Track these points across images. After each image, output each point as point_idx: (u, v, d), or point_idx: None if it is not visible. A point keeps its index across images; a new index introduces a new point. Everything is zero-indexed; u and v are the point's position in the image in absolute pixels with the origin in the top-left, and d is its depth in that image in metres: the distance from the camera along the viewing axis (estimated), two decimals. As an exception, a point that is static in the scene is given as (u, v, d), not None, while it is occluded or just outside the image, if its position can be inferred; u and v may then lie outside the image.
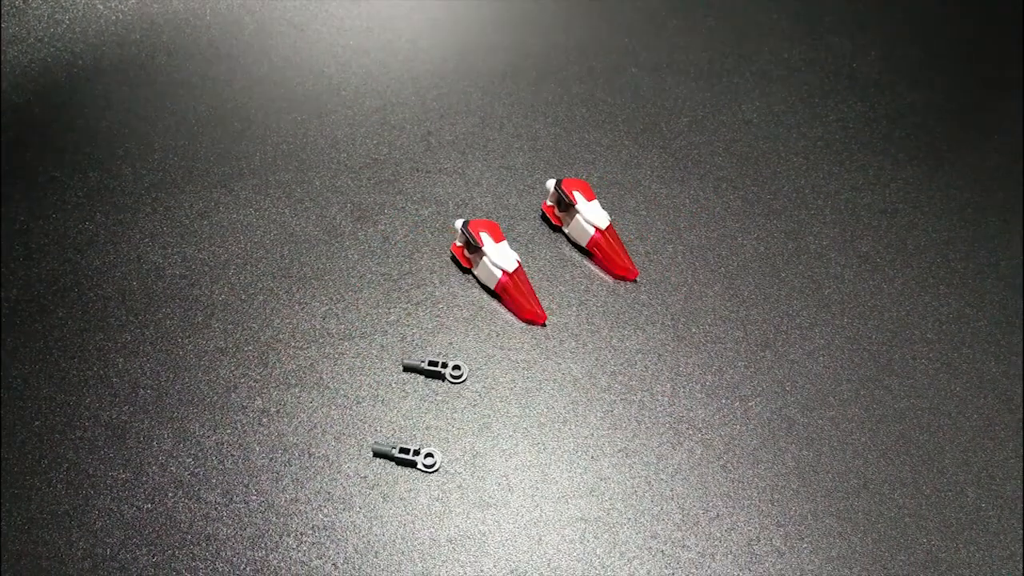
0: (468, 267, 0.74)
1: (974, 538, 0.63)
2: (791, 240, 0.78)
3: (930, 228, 0.80)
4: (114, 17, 0.91)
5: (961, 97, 0.90)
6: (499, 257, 0.71)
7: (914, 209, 0.81)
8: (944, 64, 0.93)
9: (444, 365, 0.69)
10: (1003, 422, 0.69)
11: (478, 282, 0.74)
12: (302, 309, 0.73)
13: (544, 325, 0.72)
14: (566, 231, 0.77)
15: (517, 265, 0.71)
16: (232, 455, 0.65)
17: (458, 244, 0.74)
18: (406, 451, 0.64)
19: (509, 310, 0.73)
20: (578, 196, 0.74)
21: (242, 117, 0.85)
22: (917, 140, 0.86)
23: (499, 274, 0.71)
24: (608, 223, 0.74)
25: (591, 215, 0.74)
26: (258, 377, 0.69)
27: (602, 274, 0.75)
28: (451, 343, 0.71)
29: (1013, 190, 0.83)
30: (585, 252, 0.76)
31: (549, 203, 0.77)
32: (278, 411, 0.67)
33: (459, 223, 0.72)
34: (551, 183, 0.75)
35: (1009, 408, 0.69)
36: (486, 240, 0.71)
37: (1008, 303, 0.75)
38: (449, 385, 0.69)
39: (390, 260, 0.76)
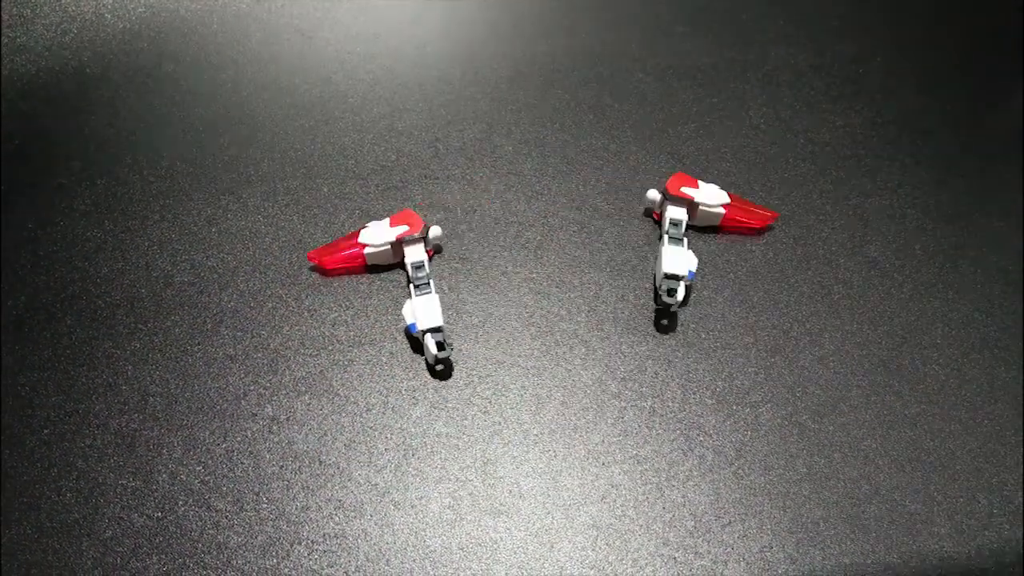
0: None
1: (986, 544, 0.63)
2: (799, 246, 0.78)
3: (939, 233, 0.80)
4: (121, 25, 0.91)
5: (969, 101, 0.90)
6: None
7: (923, 214, 0.81)
8: (951, 68, 0.93)
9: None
10: (1014, 428, 0.68)
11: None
12: (311, 316, 0.73)
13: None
14: (692, 223, 0.78)
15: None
16: (242, 463, 0.64)
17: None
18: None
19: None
20: (687, 191, 0.75)
21: (250, 124, 0.85)
22: (925, 145, 0.86)
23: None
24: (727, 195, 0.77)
25: (712, 198, 0.76)
26: (268, 384, 0.69)
27: (612, 280, 0.75)
28: (461, 349, 0.71)
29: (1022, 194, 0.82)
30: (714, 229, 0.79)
31: (659, 211, 0.78)
32: (288, 419, 0.67)
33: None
34: (654, 194, 0.77)
35: (1020, 413, 0.69)
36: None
37: (1018, 308, 0.75)
38: (459, 392, 0.68)
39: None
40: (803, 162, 0.84)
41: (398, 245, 0.73)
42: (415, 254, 0.72)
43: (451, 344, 0.68)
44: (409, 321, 0.68)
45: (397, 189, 0.81)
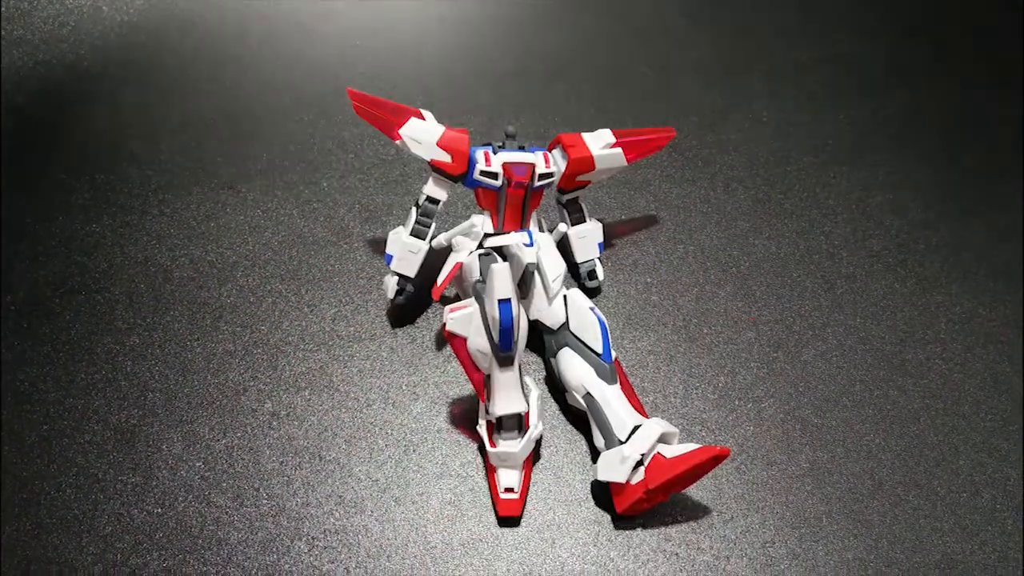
0: None
1: (990, 539, 0.63)
2: (802, 240, 0.78)
3: (942, 227, 0.79)
4: (119, 19, 0.91)
5: (972, 95, 0.90)
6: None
7: (926, 208, 0.81)
8: (955, 62, 0.92)
9: None
10: (1018, 422, 0.68)
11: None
12: (311, 311, 0.72)
13: None
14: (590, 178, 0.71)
15: None
16: (242, 459, 0.64)
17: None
18: None
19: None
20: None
21: (249, 118, 0.85)
22: (928, 139, 0.86)
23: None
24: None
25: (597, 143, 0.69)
26: (267, 380, 0.68)
27: (613, 275, 0.75)
28: (461, 345, 0.70)
29: (1025, 189, 0.82)
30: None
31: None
32: (288, 414, 0.66)
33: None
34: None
35: (1023, 408, 0.69)
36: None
37: (1021, 302, 0.75)
38: (459, 388, 0.68)
39: (399, 261, 0.75)
40: (806, 156, 0.84)
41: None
42: (436, 191, 0.65)
43: (411, 292, 0.68)
44: (388, 251, 0.67)
45: (397, 183, 0.81)
